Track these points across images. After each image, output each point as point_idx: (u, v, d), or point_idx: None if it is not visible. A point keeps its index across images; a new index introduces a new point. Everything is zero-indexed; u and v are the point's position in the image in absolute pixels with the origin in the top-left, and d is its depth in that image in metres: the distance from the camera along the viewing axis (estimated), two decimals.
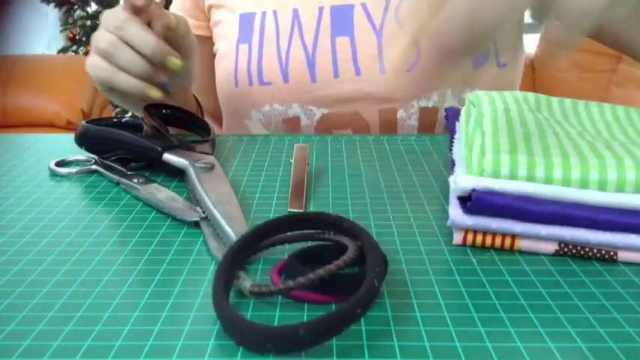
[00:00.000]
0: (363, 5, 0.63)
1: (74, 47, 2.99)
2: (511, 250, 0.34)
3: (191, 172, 0.42)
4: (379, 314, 0.28)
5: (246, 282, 0.29)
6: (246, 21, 0.65)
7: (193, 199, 0.41)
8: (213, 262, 0.34)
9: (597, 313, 0.28)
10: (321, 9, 0.64)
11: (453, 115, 0.48)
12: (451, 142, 0.44)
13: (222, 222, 0.35)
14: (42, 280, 0.32)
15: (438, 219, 0.38)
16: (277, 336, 0.25)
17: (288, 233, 0.34)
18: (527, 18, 0.70)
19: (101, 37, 0.50)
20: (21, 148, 0.53)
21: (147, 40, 0.49)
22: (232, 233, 0.34)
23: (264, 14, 0.65)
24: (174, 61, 0.50)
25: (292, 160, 0.47)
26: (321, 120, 0.64)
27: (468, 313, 0.28)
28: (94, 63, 0.51)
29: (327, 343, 0.26)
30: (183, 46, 0.54)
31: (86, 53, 2.90)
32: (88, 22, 2.95)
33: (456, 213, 0.34)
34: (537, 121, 0.38)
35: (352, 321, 0.26)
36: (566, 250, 0.33)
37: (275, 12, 0.64)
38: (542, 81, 2.24)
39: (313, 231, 0.34)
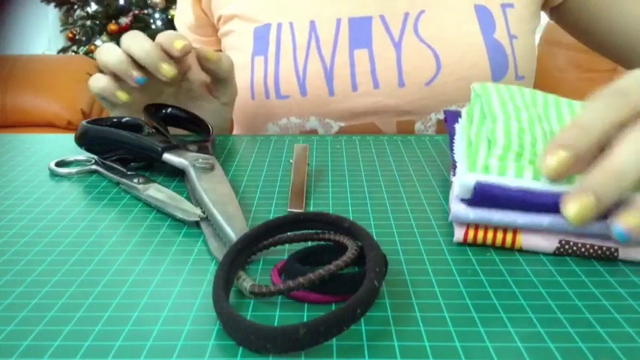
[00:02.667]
0: (382, 17, 0.62)
1: (74, 47, 2.99)
2: (512, 247, 0.34)
3: (191, 172, 0.42)
4: (379, 314, 0.28)
5: (246, 282, 0.29)
6: (261, 32, 0.64)
7: (193, 199, 0.41)
8: (213, 262, 0.34)
9: (597, 313, 0.28)
10: (338, 21, 0.62)
11: (451, 117, 0.48)
12: (451, 143, 0.44)
13: (222, 222, 0.35)
14: (42, 280, 0.32)
15: (438, 219, 0.38)
16: (277, 336, 0.25)
17: (288, 233, 0.34)
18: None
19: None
20: (21, 148, 0.53)
21: (143, 44, 0.48)
22: (232, 233, 0.34)
23: (279, 26, 0.63)
24: (166, 69, 0.49)
25: (292, 160, 0.47)
26: (338, 132, 0.64)
27: (468, 313, 0.28)
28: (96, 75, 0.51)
29: (327, 343, 0.26)
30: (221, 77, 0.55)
31: (86, 53, 2.90)
32: (88, 22, 2.95)
33: (458, 207, 0.34)
34: (543, 130, 0.38)
35: (352, 321, 0.26)
36: (567, 247, 0.33)
37: (291, 24, 0.63)
38: (542, 81, 2.24)
39: (313, 231, 0.34)
